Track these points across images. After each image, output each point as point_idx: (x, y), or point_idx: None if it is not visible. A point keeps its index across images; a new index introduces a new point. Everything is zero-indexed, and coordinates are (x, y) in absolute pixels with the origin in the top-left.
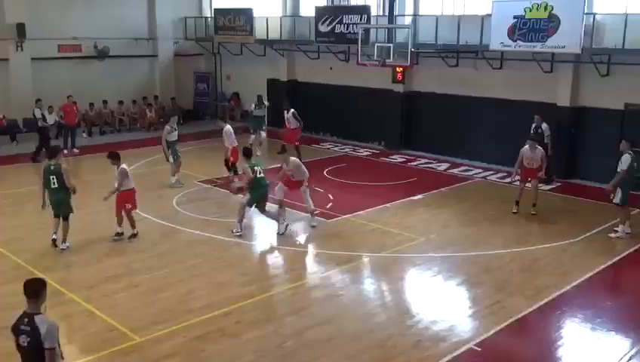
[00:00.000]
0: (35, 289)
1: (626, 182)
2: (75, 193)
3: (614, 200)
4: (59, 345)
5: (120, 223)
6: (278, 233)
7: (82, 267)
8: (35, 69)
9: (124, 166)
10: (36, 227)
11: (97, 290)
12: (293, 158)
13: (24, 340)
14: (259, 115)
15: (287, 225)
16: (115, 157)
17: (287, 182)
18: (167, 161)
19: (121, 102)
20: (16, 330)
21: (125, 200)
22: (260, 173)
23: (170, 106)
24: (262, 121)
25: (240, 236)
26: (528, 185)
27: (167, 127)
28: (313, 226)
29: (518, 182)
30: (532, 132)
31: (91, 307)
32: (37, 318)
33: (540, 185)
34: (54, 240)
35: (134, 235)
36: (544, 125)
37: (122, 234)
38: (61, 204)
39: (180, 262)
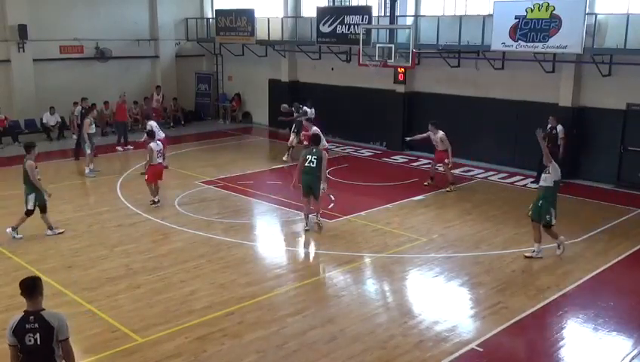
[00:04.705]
0: (32, 286)
1: (554, 198)
2: (42, 189)
3: (552, 222)
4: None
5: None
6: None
7: (84, 268)
8: (36, 70)
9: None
10: (38, 228)
11: (99, 291)
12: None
13: (31, 339)
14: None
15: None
16: (150, 135)
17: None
18: (86, 152)
19: None
20: (20, 331)
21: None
22: (310, 161)
23: (172, 107)
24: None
25: (308, 230)
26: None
27: (88, 121)
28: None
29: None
30: (547, 132)
31: (93, 308)
32: (45, 314)
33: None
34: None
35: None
36: (559, 127)
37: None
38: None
39: (181, 262)
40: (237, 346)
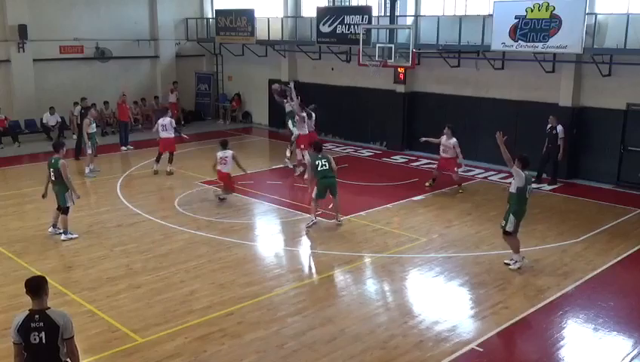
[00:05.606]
0: (38, 286)
1: (518, 206)
2: (73, 190)
3: (506, 228)
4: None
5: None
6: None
7: (84, 268)
8: (36, 70)
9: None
10: (38, 228)
11: (99, 291)
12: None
13: (36, 337)
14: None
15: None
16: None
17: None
18: (87, 152)
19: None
20: (25, 330)
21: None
22: (322, 165)
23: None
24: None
25: (310, 227)
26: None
27: (87, 120)
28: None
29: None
30: (547, 132)
31: (93, 308)
32: (50, 312)
33: (543, 185)
34: (53, 226)
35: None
36: (559, 127)
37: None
38: (57, 196)
39: (181, 262)
40: (237, 346)
